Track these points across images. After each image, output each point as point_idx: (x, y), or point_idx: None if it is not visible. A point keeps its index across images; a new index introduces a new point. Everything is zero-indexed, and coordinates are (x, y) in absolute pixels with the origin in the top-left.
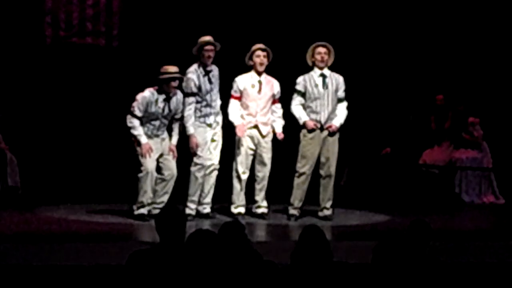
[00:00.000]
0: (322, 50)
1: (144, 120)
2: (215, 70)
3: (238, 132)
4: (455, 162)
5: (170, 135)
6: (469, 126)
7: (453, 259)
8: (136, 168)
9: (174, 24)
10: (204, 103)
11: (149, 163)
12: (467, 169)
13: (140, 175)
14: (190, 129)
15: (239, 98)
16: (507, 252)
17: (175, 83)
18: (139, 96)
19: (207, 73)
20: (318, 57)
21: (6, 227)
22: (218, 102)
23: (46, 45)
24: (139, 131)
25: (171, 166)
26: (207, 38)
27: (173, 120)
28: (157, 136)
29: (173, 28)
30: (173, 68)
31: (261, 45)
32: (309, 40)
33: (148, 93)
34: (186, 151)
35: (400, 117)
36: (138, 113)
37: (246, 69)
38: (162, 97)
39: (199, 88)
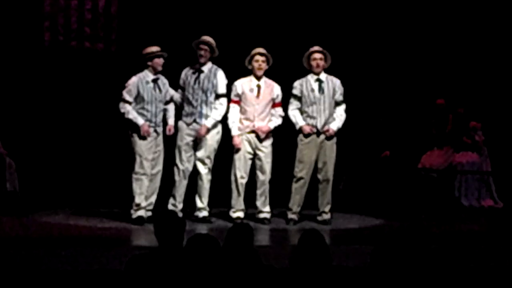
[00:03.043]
0: (317, 56)
1: (139, 107)
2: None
3: (234, 143)
4: (455, 166)
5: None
6: (471, 130)
7: (451, 263)
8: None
9: (172, 29)
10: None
11: (148, 166)
12: (466, 173)
13: (137, 177)
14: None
15: (239, 103)
16: (505, 256)
17: (159, 60)
18: (129, 82)
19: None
20: (313, 63)
21: (4, 232)
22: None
23: (44, 50)
24: (133, 114)
25: (159, 161)
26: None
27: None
28: (153, 124)
29: (171, 32)
30: (154, 48)
31: (260, 50)
32: (308, 44)
33: (136, 78)
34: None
35: (400, 121)
36: (129, 98)
37: (247, 72)
38: (150, 78)
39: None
